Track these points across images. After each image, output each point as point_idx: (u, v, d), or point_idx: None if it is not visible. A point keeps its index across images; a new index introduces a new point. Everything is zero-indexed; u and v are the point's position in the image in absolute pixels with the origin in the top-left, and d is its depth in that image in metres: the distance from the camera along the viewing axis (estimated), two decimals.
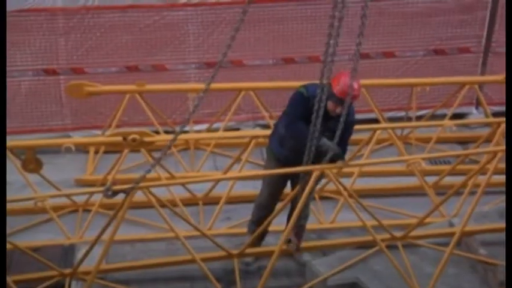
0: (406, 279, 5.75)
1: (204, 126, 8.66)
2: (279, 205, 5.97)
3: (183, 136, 8.11)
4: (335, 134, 5.32)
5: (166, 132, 8.14)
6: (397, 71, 9.22)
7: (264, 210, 6.03)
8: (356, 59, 5.10)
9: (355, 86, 5.25)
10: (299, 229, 5.89)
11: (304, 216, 5.87)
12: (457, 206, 6.95)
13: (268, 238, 6.28)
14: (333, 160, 5.46)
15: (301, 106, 5.46)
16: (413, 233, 6.28)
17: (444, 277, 5.83)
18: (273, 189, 5.98)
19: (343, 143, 5.52)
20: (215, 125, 8.48)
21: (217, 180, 7.23)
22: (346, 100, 5.25)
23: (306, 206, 5.67)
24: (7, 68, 8.29)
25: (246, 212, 6.40)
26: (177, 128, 5.40)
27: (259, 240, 6.17)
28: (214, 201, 7.13)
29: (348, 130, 5.53)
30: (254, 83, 8.27)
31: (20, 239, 6.15)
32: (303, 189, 5.50)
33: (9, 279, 5.39)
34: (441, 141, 8.47)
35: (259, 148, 7.65)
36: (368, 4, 4.90)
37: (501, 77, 8.24)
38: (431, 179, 7.50)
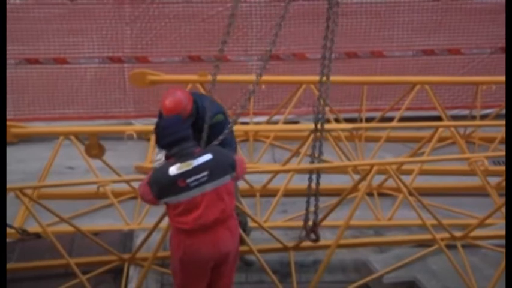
0: (465, 280, 5.64)
1: (264, 118, 8.68)
2: (334, 201, 5.91)
3: (242, 127, 8.17)
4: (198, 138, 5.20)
5: None
6: (463, 69, 9.04)
7: None
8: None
9: (166, 107, 5.17)
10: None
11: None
12: None
13: (324, 232, 6.24)
14: None
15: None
16: (474, 234, 6.15)
17: (504, 280, 5.69)
18: None
19: (213, 139, 5.24)
20: (275, 118, 8.48)
21: (276, 172, 7.24)
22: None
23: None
24: (74, 55, 8.54)
25: (303, 206, 6.38)
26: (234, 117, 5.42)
27: None
28: (272, 194, 7.14)
29: (214, 133, 5.26)
30: (315, 77, 8.19)
31: (81, 223, 6.29)
32: None
33: (72, 261, 5.52)
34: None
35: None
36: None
37: None
38: (494, 180, 7.32)
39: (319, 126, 5.59)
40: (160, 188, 4.69)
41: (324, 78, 5.40)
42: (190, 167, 4.67)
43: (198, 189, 4.67)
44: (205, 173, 4.67)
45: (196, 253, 4.75)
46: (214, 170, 4.70)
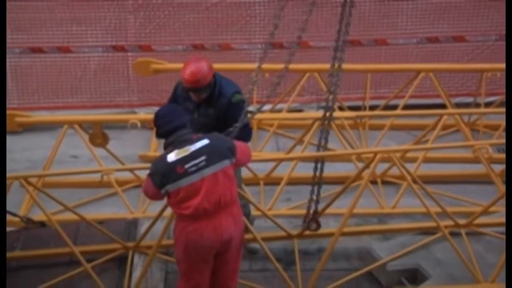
0: (469, 267, 5.65)
1: (268, 106, 8.66)
2: (338, 189, 5.92)
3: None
4: (209, 119, 5.39)
5: None
6: (467, 56, 9.00)
7: None
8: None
9: (187, 71, 5.30)
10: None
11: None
12: None
13: (328, 220, 6.25)
14: None
15: (171, 95, 5.76)
16: (478, 221, 6.15)
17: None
18: None
19: (230, 123, 5.36)
20: (279, 106, 8.47)
21: (280, 161, 7.24)
22: (193, 87, 5.31)
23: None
24: (78, 44, 8.53)
25: (307, 194, 6.38)
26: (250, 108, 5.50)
27: None
28: (276, 182, 7.15)
29: (232, 113, 5.42)
30: (319, 65, 8.20)
31: (85, 211, 6.31)
32: None
33: (76, 249, 5.55)
34: None
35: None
36: None
37: None
38: (498, 168, 7.31)
39: (327, 114, 5.57)
40: (161, 176, 4.71)
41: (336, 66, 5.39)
42: (187, 153, 4.70)
43: (197, 174, 4.68)
44: (203, 157, 4.69)
45: (198, 239, 4.76)
46: (212, 155, 4.72)
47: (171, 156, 4.72)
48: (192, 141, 4.76)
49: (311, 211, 5.79)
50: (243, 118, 5.37)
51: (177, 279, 5.15)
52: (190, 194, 4.70)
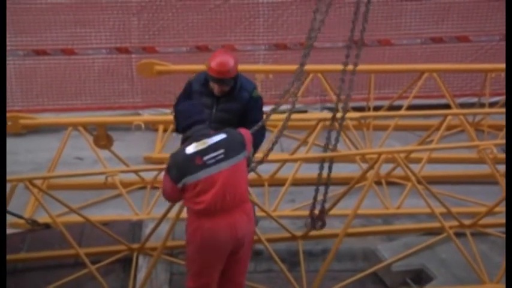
0: (474, 268, 5.64)
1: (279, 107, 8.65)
2: (343, 189, 5.91)
3: None
4: (230, 114, 5.40)
5: None
6: (471, 56, 8.99)
7: None
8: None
9: (216, 61, 5.32)
10: None
11: None
12: None
13: (332, 221, 6.24)
14: None
15: (183, 91, 5.71)
16: (483, 221, 6.14)
17: None
18: None
19: (250, 123, 5.39)
20: (282, 107, 8.44)
21: (284, 162, 7.24)
22: (220, 77, 5.33)
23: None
24: (82, 46, 8.54)
25: (311, 195, 6.38)
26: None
27: None
28: (280, 183, 7.15)
29: (251, 108, 5.50)
30: (323, 66, 8.20)
31: (90, 213, 6.32)
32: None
33: (81, 251, 5.55)
34: None
35: (326, 131, 7.60)
36: None
37: None
38: (503, 168, 7.28)
39: (338, 115, 5.57)
40: (179, 168, 4.74)
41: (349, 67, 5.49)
42: (205, 145, 4.76)
43: (215, 167, 4.73)
44: (221, 150, 4.75)
45: (214, 237, 4.78)
46: (229, 148, 4.78)
47: (190, 149, 4.77)
48: (209, 135, 4.84)
49: (316, 211, 5.78)
50: (265, 117, 5.47)
51: (184, 280, 5.15)
52: (207, 187, 4.72)
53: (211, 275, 4.96)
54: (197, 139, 4.81)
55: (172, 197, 5.01)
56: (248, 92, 5.53)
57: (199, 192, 4.73)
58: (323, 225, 5.83)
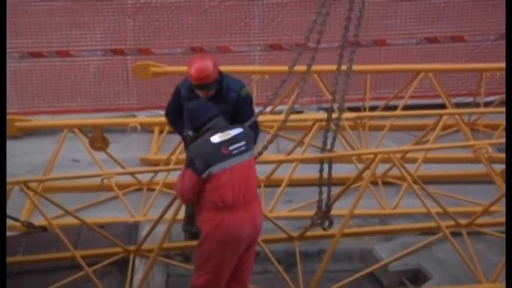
0: (470, 267, 5.64)
1: (267, 108, 8.65)
2: (339, 190, 5.92)
3: None
4: (224, 115, 5.28)
5: None
6: (467, 56, 9.01)
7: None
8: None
9: (194, 68, 5.32)
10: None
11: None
12: None
13: None
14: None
15: (173, 96, 5.72)
16: (479, 221, 6.15)
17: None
18: None
19: (242, 122, 5.33)
20: (278, 108, 8.46)
21: (280, 162, 7.24)
22: (201, 83, 5.32)
23: None
24: (77, 48, 8.54)
25: (308, 195, 6.41)
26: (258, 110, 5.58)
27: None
28: (276, 184, 7.14)
29: (241, 107, 5.49)
30: (319, 66, 8.14)
31: (86, 215, 6.30)
32: None
33: (77, 253, 5.55)
34: None
35: (322, 131, 7.61)
36: None
37: None
38: (498, 167, 7.31)
39: (334, 115, 5.57)
40: (205, 157, 4.74)
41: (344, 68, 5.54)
42: (229, 136, 4.82)
43: (239, 157, 4.80)
44: (243, 142, 4.84)
45: (238, 231, 4.80)
46: (248, 141, 4.88)
47: (215, 138, 4.81)
48: (231, 127, 4.91)
49: (323, 209, 5.77)
50: (257, 113, 5.50)
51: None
52: (231, 177, 4.76)
53: (225, 272, 4.96)
54: (221, 130, 4.85)
55: (190, 193, 4.87)
56: (235, 91, 5.50)
57: (223, 184, 4.75)
58: (331, 224, 5.83)
